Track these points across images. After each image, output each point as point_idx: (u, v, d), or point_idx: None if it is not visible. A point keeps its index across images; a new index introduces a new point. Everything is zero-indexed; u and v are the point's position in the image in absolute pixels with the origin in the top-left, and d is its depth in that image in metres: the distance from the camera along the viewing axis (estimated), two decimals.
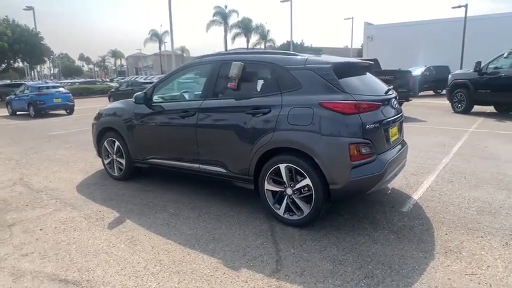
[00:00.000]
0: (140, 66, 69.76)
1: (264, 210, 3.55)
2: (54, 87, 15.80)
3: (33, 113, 14.34)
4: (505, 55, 10.16)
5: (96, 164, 5.68)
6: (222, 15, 49.31)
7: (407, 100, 11.05)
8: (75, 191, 4.42)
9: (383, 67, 11.81)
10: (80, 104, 16.21)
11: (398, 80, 10.54)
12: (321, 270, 2.55)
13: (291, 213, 3.25)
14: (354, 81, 3.29)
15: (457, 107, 11.32)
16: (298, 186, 3.14)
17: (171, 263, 2.69)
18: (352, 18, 35.33)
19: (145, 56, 67.93)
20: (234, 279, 2.47)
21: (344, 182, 2.95)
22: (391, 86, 3.73)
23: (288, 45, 51.32)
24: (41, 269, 2.65)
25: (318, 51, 4.52)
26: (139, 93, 4.28)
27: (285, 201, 3.25)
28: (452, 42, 23.86)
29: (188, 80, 5.12)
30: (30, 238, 3.16)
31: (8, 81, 37.96)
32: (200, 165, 3.83)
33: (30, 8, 29.33)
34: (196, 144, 3.79)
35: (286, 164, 3.17)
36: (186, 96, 4.57)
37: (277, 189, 3.30)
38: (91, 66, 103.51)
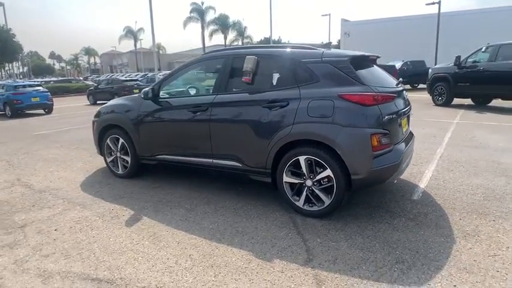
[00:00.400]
0: (115, 64, 67.96)
1: (280, 202, 3.59)
2: (31, 86, 15.16)
3: (9, 113, 13.72)
4: (483, 49, 10.63)
5: (95, 163, 5.53)
6: (199, 12, 48.79)
7: None
8: (80, 190, 4.29)
9: None
10: (57, 103, 15.60)
11: None
12: (352, 257, 2.62)
13: (310, 204, 3.31)
14: (367, 73, 3.36)
15: (437, 99, 11.76)
16: (318, 177, 3.19)
17: (201, 257, 2.68)
18: (329, 14, 35.72)
19: (120, 54, 66.19)
20: (269, 270, 2.50)
21: (366, 172, 3.03)
22: (400, 79, 3.85)
23: (266, 42, 51.45)
24: (68, 269, 2.57)
25: (327, 45, 4.53)
26: (147, 88, 4.19)
27: (304, 192, 3.30)
28: (427, 38, 24.68)
29: (197, 75, 5.06)
30: (47, 239, 3.05)
31: None
32: (213, 160, 3.81)
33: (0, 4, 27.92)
34: (209, 139, 3.77)
35: (306, 156, 3.21)
36: (196, 91, 4.51)
37: (296, 181, 3.34)
38: (63, 64, 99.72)
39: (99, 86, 20.10)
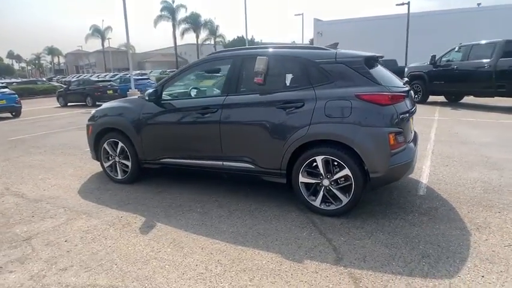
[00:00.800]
0: (81, 64, 65.33)
1: (294, 203, 3.60)
2: None
3: None
4: (456, 49, 11.18)
5: (87, 169, 5.30)
6: (170, 10, 47.89)
7: None
8: (80, 198, 4.09)
9: None
10: (24, 105, 14.59)
11: None
12: (380, 254, 2.68)
13: (327, 204, 3.34)
14: (379, 73, 3.44)
15: (414, 97, 12.24)
16: (336, 177, 3.23)
17: (231, 262, 2.63)
18: (303, 14, 36.28)
19: (86, 53, 63.67)
20: (303, 271, 2.50)
21: (385, 170, 3.10)
22: (406, 79, 3.96)
23: (239, 41, 51.38)
24: (92, 282, 2.44)
25: (334, 45, 4.54)
26: (151, 90, 4.05)
27: (321, 192, 3.33)
28: (397, 37, 25.59)
29: (203, 76, 4.95)
30: (59, 251, 2.89)
31: None
32: (224, 162, 3.76)
33: None
34: (219, 141, 3.70)
35: (323, 156, 3.24)
36: (202, 92, 4.42)
37: (313, 181, 3.36)
38: (23, 64, 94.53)
39: (69, 87, 19.22)
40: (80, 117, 12.64)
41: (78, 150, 6.69)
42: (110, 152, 4.53)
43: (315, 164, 3.29)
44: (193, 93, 4.33)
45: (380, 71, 3.60)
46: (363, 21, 30.88)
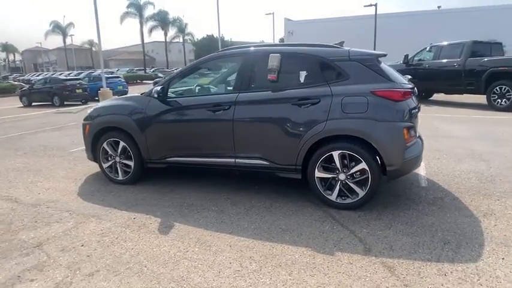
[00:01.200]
0: (40, 61, 61.79)
1: (308, 198, 3.66)
2: None
3: None
4: (427, 49, 11.78)
5: (79, 170, 5.06)
6: (137, 7, 46.50)
7: None
8: (82, 201, 3.90)
9: None
10: None
11: None
12: (405, 243, 2.79)
13: (343, 198, 3.42)
14: (387, 70, 3.57)
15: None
16: (353, 171, 3.32)
17: (264, 258, 2.64)
18: (273, 13, 36.66)
19: (46, 51, 60.29)
20: (337, 263, 2.55)
21: (400, 163, 3.23)
22: (409, 76, 4.15)
23: (208, 39, 50.88)
24: (126, 285, 2.35)
25: (341, 43, 4.57)
26: (157, 87, 3.93)
27: (337, 186, 3.41)
28: (365, 38, 26.50)
29: (211, 73, 4.87)
30: (79, 256, 2.75)
31: None
32: (236, 160, 3.74)
33: None
34: (232, 139, 3.68)
35: (340, 151, 3.32)
36: (211, 90, 4.35)
37: (329, 176, 3.44)
38: None
39: (34, 86, 18.18)
40: (52, 117, 12.00)
41: (61, 151, 6.36)
42: (110, 152, 4.36)
43: (330, 158, 3.37)
44: (201, 90, 4.26)
45: (387, 68, 3.74)
46: (332, 21, 31.59)
